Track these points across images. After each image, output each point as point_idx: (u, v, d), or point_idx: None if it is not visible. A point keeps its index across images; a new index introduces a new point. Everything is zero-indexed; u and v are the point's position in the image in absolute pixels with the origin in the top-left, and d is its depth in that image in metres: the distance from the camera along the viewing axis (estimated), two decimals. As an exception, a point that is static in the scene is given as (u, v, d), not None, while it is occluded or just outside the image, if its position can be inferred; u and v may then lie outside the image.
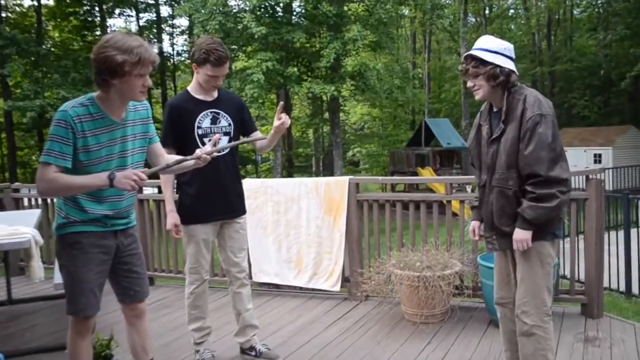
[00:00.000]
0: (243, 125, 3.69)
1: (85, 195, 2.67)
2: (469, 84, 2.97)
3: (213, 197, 3.55)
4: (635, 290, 6.66)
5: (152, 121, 2.93)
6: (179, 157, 2.90)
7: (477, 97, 2.98)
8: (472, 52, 2.92)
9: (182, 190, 3.60)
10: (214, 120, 3.54)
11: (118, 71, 2.50)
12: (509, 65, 2.87)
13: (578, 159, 24.38)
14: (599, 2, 34.12)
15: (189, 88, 3.58)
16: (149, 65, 2.57)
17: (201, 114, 3.51)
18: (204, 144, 3.45)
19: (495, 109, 2.99)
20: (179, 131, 3.48)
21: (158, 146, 2.96)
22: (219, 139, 3.04)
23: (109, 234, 2.78)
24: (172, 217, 3.59)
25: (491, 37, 2.99)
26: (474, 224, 3.28)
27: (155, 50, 2.65)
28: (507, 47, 2.91)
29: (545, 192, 2.75)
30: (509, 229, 2.90)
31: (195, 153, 2.83)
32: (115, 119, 2.66)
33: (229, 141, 3.56)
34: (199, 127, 3.50)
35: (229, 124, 3.59)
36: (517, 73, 2.90)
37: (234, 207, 3.68)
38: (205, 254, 3.64)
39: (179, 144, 3.47)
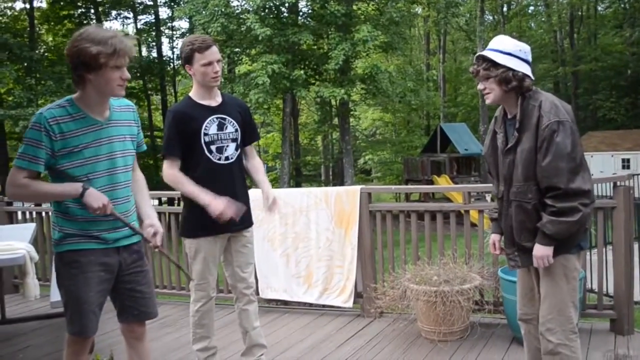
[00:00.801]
0: (246, 131, 3.70)
1: (73, 203, 2.68)
2: (480, 86, 2.95)
3: None
4: (668, 304, 6.61)
5: (139, 125, 2.96)
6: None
7: (487, 101, 2.97)
8: (484, 52, 2.90)
9: (188, 202, 3.60)
10: (221, 127, 3.55)
11: (93, 64, 2.53)
12: (523, 68, 2.84)
13: (605, 164, 24.29)
14: (625, -3, 34.09)
15: (191, 94, 3.60)
16: (125, 56, 2.59)
17: (207, 120, 3.51)
18: (210, 151, 3.49)
19: (509, 116, 2.97)
20: (184, 139, 3.49)
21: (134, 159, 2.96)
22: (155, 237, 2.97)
23: (110, 251, 2.78)
24: (216, 200, 3.41)
25: (506, 37, 2.96)
26: (494, 237, 3.25)
27: (133, 42, 2.66)
28: (523, 48, 2.88)
29: (566, 206, 2.72)
30: (531, 244, 2.87)
31: (147, 231, 2.86)
32: (98, 118, 2.69)
33: (236, 148, 3.60)
34: (205, 134, 3.50)
35: (236, 130, 3.61)
36: (532, 77, 2.87)
37: (242, 218, 3.67)
38: (212, 270, 3.65)
39: (184, 152, 3.49)
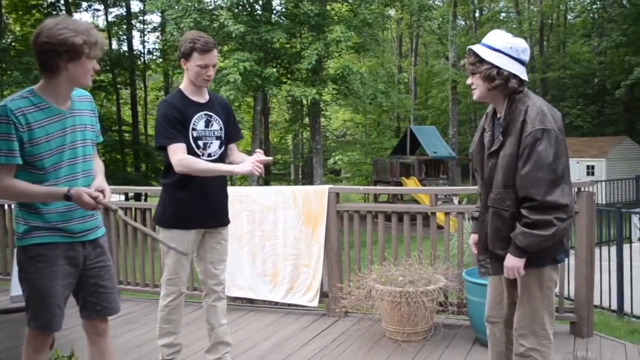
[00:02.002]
0: (230, 130, 3.72)
1: (38, 205, 2.67)
2: (468, 81, 2.87)
3: (200, 203, 3.56)
4: (627, 308, 6.75)
5: (97, 116, 2.96)
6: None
7: (474, 97, 2.87)
8: (474, 46, 2.80)
9: (168, 192, 3.61)
10: (207, 123, 3.59)
11: (76, 53, 2.53)
12: (512, 67, 2.73)
13: (571, 170, 24.64)
14: (594, 7, 34.70)
15: (181, 88, 3.62)
16: (102, 48, 2.64)
17: (196, 116, 3.54)
18: (198, 146, 3.51)
19: (498, 115, 2.86)
20: (179, 129, 3.49)
21: (94, 149, 2.95)
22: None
23: (76, 245, 2.76)
24: (243, 165, 3.46)
25: (501, 32, 2.83)
26: (474, 237, 3.15)
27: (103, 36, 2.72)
28: (515, 46, 2.76)
29: (540, 219, 2.63)
30: (504, 252, 2.79)
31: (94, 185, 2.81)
32: (61, 107, 2.68)
33: (220, 146, 3.62)
34: (193, 129, 3.53)
35: (220, 128, 3.64)
36: (522, 77, 2.75)
37: (220, 215, 3.72)
38: (185, 265, 3.65)
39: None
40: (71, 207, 2.71)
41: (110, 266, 2.94)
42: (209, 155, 3.57)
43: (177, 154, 3.42)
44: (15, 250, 2.80)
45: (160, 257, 3.75)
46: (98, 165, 2.94)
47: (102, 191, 2.75)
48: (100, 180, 2.84)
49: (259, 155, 3.52)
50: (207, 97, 3.65)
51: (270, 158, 3.60)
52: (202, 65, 3.46)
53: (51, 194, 2.62)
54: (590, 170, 25.58)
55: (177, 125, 3.47)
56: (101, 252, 2.88)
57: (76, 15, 28.45)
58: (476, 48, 2.79)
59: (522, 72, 2.77)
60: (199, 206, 3.56)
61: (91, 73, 2.64)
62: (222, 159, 3.67)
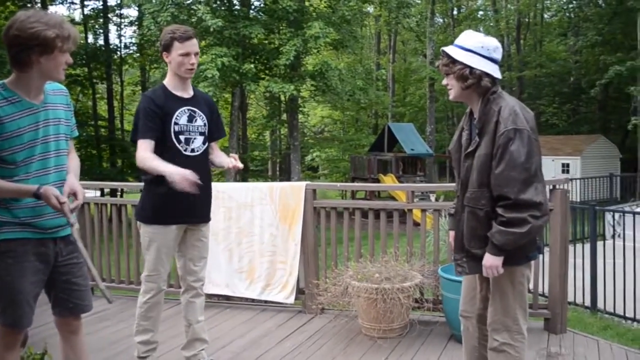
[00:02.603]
0: (213, 127, 3.72)
1: (7, 201, 2.63)
2: (444, 81, 2.93)
3: (181, 199, 3.51)
4: (600, 305, 6.85)
5: (72, 110, 2.92)
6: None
7: (450, 97, 2.92)
8: (447, 47, 2.85)
9: (149, 188, 3.60)
10: (191, 119, 3.58)
11: (48, 47, 2.51)
12: (485, 66, 2.78)
13: (546, 168, 24.83)
14: (570, 6, 35.08)
15: (165, 82, 3.61)
16: (75, 41, 2.61)
17: (179, 111, 3.54)
18: (179, 141, 3.51)
19: (475, 115, 2.91)
20: (157, 125, 3.48)
21: (70, 143, 2.92)
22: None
23: (47, 241, 2.72)
24: (176, 170, 3.26)
25: (472, 32, 2.89)
26: (452, 233, 3.19)
27: (76, 30, 2.68)
28: (486, 45, 2.80)
29: (515, 217, 2.68)
30: (480, 251, 2.84)
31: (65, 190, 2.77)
32: (34, 101, 2.64)
33: (204, 142, 3.63)
34: (175, 124, 3.52)
35: (204, 124, 3.64)
36: (494, 76, 2.80)
37: (202, 212, 3.73)
38: (165, 262, 3.64)
39: (156, 137, 3.48)
40: (42, 202, 2.67)
41: (82, 263, 2.89)
42: (192, 150, 3.57)
43: (140, 149, 3.43)
44: None
45: (135, 254, 3.74)
46: (73, 162, 2.91)
47: (74, 193, 2.74)
48: (72, 180, 2.80)
49: (233, 160, 3.59)
50: (191, 92, 3.65)
51: (241, 166, 3.61)
52: (183, 54, 3.46)
53: (21, 191, 2.59)
54: (565, 168, 25.90)
55: (155, 119, 3.46)
56: (73, 249, 2.84)
57: (51, 9, 28.06)
58: (449, 49, 2.85)
59: (494, 71, 2.81)
60: (180, 201, 3.52)
61: (64, 67, 2.62)
62: (205, 155, 3.67)
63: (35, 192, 2.56)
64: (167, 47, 3.48)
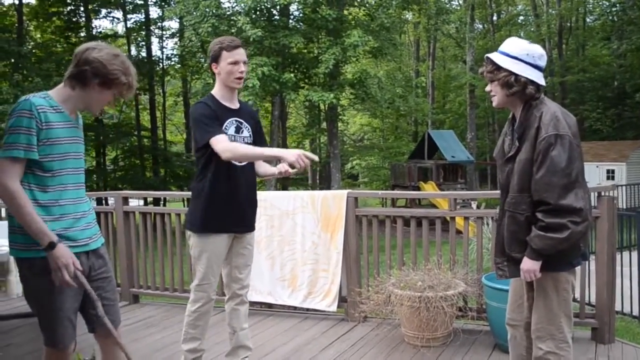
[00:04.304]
0: (257, 139, 3.75)
1: (42, 212, 2.59)
2: (487, 88, 2.94)
3: (232, 208, 3.60)
4: (649, 314, 6.68)
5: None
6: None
7: (493, 104, 2.95)
8: (491, 54, 2.86)
9: (201, 197, 3.60)
10: (238, 130, 3.62)
11: (110, 85, 2.61)
12: (529, 74, 2.78)
13: (590, 175, 24.45)
14: (613, 10, 34.37)
15: (214, 93, 3.64)
16: (129, 94, 2.72)
17: (228, 121, 3.58)
18: None
19: (516, 121, 2.93)
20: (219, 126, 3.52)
21: None
22: None
23: (80, 255, 2.69)
24: (287, 150, 3.29)
25: (516, 39, 2.89)
26: None
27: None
28: (532, 52, 2.81)
29: (554, 222, 2.68)
30: (521, 255, 2.85)
31: None
32: (72, 116, 2.71)
33: None
34: (225, 134, 3.54)
35: (250, 135, 3.68)
36: (539, 83, 2.80)
37: (250, 220, 3.78)
38: (215, 271, 3.67)
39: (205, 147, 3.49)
40: (77, 214, 2.70)
41: (111, 277, 2.90)
42: (239, 160, 3.60)
43: (221, 142, 3.39)
44: (14, 260, 2.72)
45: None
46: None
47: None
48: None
49: (285, 165, 3.48)
50: (237, 104, 3.69)
51: (316, 157, 3.35)
52: (232, 62, 3.50)
53: (39, 230, 2.50)
54: (611, 175, 25.32)
55: (215, 121, 3.49)
56: (103, 262, 2.84)
57: (95, 22, 28.74)
58: (493, 56, 2.85)
59: (539, 78, 2.82)
60: (232, 210, 3.60)
61: (104, 105, 2.72)
62: (252, 165, 3.70)
63: (52, 242, 2.51)
64: (216, 58, 3.52)
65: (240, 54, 3.53)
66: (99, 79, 2.58)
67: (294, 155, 3.16)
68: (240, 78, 3.56)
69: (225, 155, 3.35)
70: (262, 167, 3.80)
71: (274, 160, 3.73)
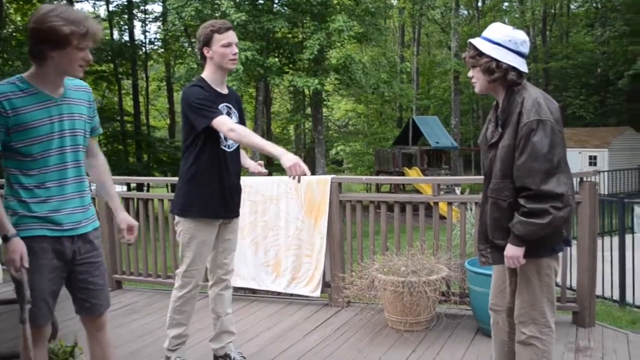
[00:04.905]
0: (241, 124, 3.72)
1: (26, 195, 2.60)
2: (469, 74, 2.93)
3: (223, 194, 3.60)
4: (629, 298, 6.77)
5: (94, 107, 2.89)
6: None
7: (475, 90, 2.94)
8: (473, 40, 2.85)
9: (192, 183, 3.59)
10: (228, 115, 3.58)
11: (62, 43, 2.48)
12: (511, 60, 2.76)
13: (573, 161, 24.61)
14: (597, -4, 34.55)
15: (204, 76, 3.60)
16: (93, 39, 2.57)
17: (220, 106, 3.55)
18: (219, 136, 3.53)
19: (500, 107, 2.92)
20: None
21: (93, 141, 2.94)
22: None
23: (63, 239, 2.68)
24: (287, 154, 3.18)
25: (500, 25, 2.87)
26: None
27: (102, 27, 2.65)
28: (514, 38, 2.79)
29: (536, 207, 2.69)
30: (504, 242, 2.85)
31: (122, 227, 2.91)
32: (52, 94, 2.63)
33: None
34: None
35: (237, 121, 3.65)
36: (521, 70, 2.78)
37: (236, 206, 3.78)
38: (205, 257, 3.68)
39: (196, 133, 3.49)
40: (63, 196, 2.67)
41: (101, 262, 2.87)
42: (229, 146, 3.60)
43: (226, 124, 3.37)
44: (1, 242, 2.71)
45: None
46: (104, 176, 3.02)
47: (131, 228, 2.94)
48: (124, 215, 2.97)
49: (259, 167, 3.76)
50: (226, 89, 3.68)
51: (309, 172, 3.19)
52: (226, 44, 3.48)
53: (2, 222, 2.53)
54: (593, 161, 25.55)
55: (213, 104, 3.47)
56: (91, 247, 2.81)
57: (77, 5, 28.36)
58: (475, 41, 2.84)
59: (521, 64, 2.80)
60: (223, 197, 3.61)
61: (80, 63, 2.58)
62: (238, 151, 3.72)
63: (6, 235, 2.52)
64: (208, 42, 3.48)
65: (232, 36, 3.52)
66: (46, 45, 2.50)
67: (290, 161, 3.10)
68: (234, 59, 3.55)
69: (231, 135, 3.36)
70: (243, 158, 3.83)
71: (255, 153, 3.76)
